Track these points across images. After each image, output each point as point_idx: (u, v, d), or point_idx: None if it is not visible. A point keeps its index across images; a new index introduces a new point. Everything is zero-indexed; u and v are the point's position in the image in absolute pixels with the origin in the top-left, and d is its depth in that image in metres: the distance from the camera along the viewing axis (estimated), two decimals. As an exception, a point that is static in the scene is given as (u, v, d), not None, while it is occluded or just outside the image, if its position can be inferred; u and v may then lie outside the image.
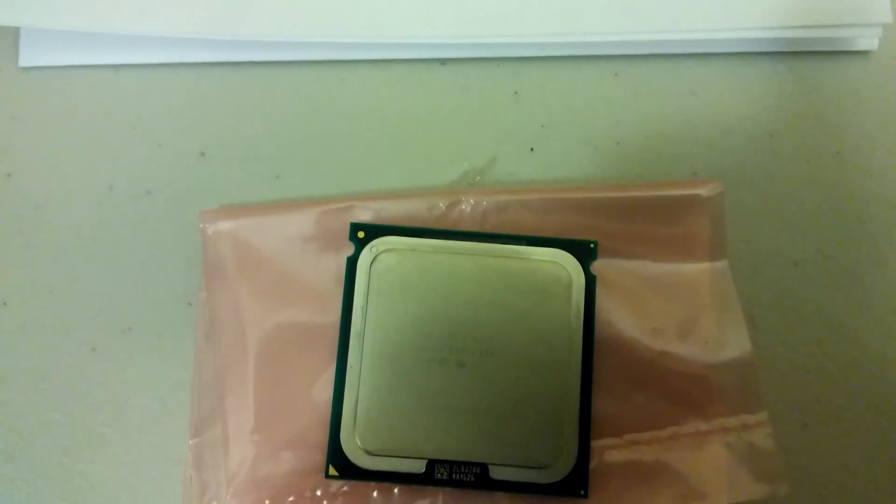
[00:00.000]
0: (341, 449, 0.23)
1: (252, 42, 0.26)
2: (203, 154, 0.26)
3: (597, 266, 0.24)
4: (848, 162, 0.26)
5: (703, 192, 0.25)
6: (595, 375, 0.23)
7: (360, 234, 0.24)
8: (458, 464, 0.23)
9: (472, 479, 0.23)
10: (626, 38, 0.26)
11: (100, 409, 0.24)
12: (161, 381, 0.24)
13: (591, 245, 0.24)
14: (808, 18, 0.26)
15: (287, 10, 0.26)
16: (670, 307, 0.24)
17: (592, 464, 0.23)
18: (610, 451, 0.23)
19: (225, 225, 0.25)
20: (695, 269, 0.24)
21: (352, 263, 0.24)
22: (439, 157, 0.26)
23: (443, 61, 0.27)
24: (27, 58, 0.26)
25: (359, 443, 0.23)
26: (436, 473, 0.23)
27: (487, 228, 0.25)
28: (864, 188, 0.26)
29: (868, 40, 0.27)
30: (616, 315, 0.24)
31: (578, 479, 0.23)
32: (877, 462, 0.24)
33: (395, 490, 0.23)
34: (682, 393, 0.24)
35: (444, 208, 0.25)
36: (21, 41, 0.26)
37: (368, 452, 0.23)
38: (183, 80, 0.26)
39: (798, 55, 0.27)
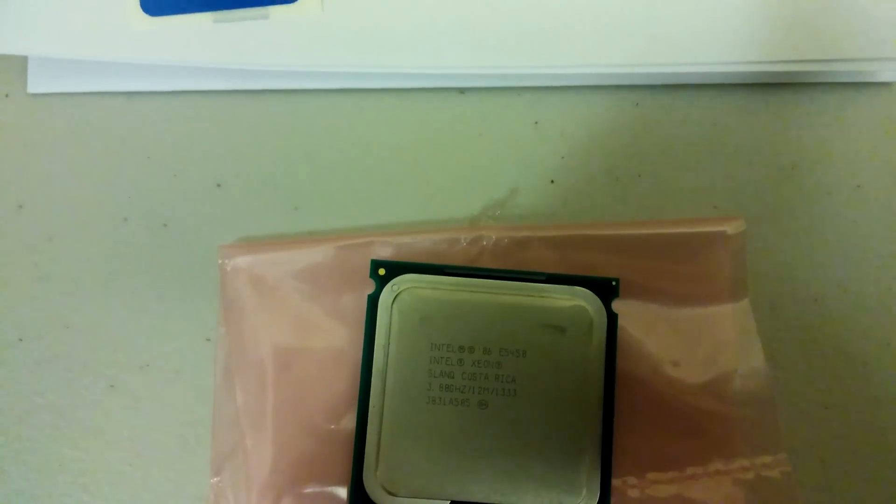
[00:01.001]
0: (364, 489, 0.23)
1: (269, 71, 0.25)
2: (219, 185, 0.25)
3: (618, 305, 0.24)
4: (869, 196, 0.26)
5: (727, 229, 0.25)
6: (616, 413, 0.23)
7: (381, 272, 0.24)
8: (481, 504, 0.23)
9: (495, 519, 0.23)
10: (647, 69, 0.26)
11: (119, 446, 0.24)
12: (180, 417, 0.24)
13: (613, 283, 0.24)
14: (829, 52, 0.26)
15: (305, 38, 0.25)
16: (692, 345, 0.24)
17: (613, 501, 0.23)
18: (632, 489, 0.24)
19: (243, 260, 0.24)
20: (716, 307, 0.24)
21: (373, 301, 0.24)
22: (459, 187, 0.26)
23: (462, 90, 0.26)
24: (36, 84, 0.26)
25: (381, 483, 0.23)
26: (458, 513, 0.23)
27: (509, 265, 0.25)
28: (886, 223, 0.26)
29: (890, 73, 0.27)
30: (638, 353, 0.24)
31: (600, 517, 0.23)
32: (893, 500, 0.24)
33: (418, 529, 0.23)
34: (702, 431, 0.24)
35: (465, 244, 0.24)
36: (29, 67, 0.26)
37: (391, 493, 0.23)
38: (198, 109, 0.26)
39: (820, 86, 0.27)
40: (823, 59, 0.26)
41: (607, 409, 0.23)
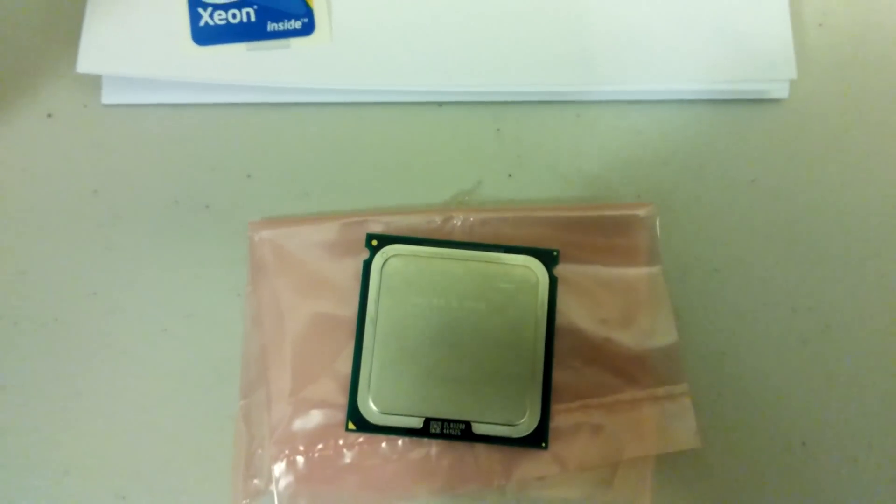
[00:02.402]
0: (358, 409, 0.30)
1: (288, 88, 0.33)
2: (249, 176, 0.32)
3: (558, 269, 0.30)
4: (761, 188, 0.33)
5: (640, 213, 0.31)
6: (555, 354, 0.30)
7: (374, 242, 0.31)
8: (448, 421, 0.30)
9: (459, 433, 0.29)
10: (585, 88, 0.33)
11: (169, 376, 0.31)
12: (217, 355, 0.31)
13: (554, 253, 0.31)
14: (729, 75, 0.33)
15: (317, 63, 0.32)
16: (615, 302, 0.31)
17: (552, 423, 0.30)
18: (566, 414, 0.30)
19: (267, 233, 0.31)
20: (635, 273, 0.31)
21: (367, 265, 0.30)
22: (436, 180, 0.33)
23: (440, 104, 0.33)
24: (109, 96, 0.33)
25: (372, 404, 0.29)
26: (430, 428, 0.30)
27: (474, 238, 0.31)
28: (773, 209, 0.33)
29: (779, 91, 0.33)
30: (573, 308, 0.31)
31: (540, 434, 0.29)
32: (774, 422, 0.31)
33: (399, 442, 0.30)
34: (622, 369, 0.30)
35: (439, 222, 0.31)
36: (104, 82, 0.33)
37: (379, 412, 0.29)
38: (233, 117, 0.33)
39: (723, 102, 0.34)
40: (724, 80, 0.33)
41: (548, 351, 0.30)
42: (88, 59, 0.32)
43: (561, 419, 0.30)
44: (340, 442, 0.30)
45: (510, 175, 0.33)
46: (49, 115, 0.33)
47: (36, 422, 0.30)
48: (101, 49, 0.32)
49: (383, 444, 0.30)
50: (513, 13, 0.33)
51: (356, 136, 0.33)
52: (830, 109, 0.34)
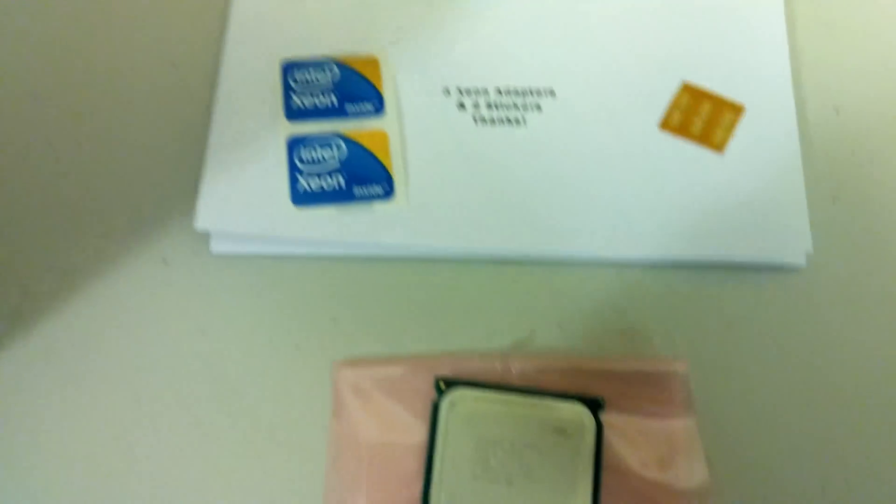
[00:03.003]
0: (427, 536, 0.34)
1: (370, 244, 0.38)
2: (334, 319, 0.37)
3: (604, 416, 0.35)
4: (783, 348, 0.37)
5: (676, 369, 0.36)
6: (601, 493, 0.34)
7: (441, 385, 0.35)
8: (505, 550, 0.33)
9: (514, 561, 0.33)
10: (625, 255, 0.38)
11: (258, 499, 0.35)
12: (302, 481, 0.35)
13: (601, 401, 0.35)
14: (752, 247, 0.37)
15: (396, 224, 0.37)
16: (654, 447, 0.35)
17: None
18: (609, 546, 0.34)
19: (348, 372, 0.36)
20: (672, 421, 0.35)
21: (435, 406, 0.35)
22: (496, 327, 0.37)
23: (501, 262, 0.38)
24: (218, 246, 0.38)
25: (439, 532, 0.34)
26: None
27: (529, 384, 0.36)
28: (795, 368, 0.37)
29: (797, 260, 0.38)
30: (617, 451, 0.35)
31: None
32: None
33: (460, 566, 0.34)
34: (659, 507, 0.34)
35: (499, 369, 0.36)
36: (213, 234, 0.38)
37: (445, 539, 0.33)
38: (323, 267, 0.38)
39: (747, 267, 0.38)
40: (748, 253, 0.38)
41: (595, 488, 0.34)
42: (205, 218, 0.37)
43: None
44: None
45: (560, 326, 0.38)
46: (164, 261, 0.38)
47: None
48: (215, 209, 0.37)
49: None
50: (562, 188, 0.38)
51: (427, 287, 0.38)
52: (846, 278, 0.38)
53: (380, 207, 0.38)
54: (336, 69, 0.40)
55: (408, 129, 0.39)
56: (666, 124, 0.39)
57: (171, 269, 0.38)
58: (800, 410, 0.36)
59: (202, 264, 0.38)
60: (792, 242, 0.38)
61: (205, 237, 0.38)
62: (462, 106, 0.40)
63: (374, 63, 0.40)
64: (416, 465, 0.35)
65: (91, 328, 0.37)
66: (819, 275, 0.38)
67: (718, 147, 0.39)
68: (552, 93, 0.40)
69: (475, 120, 0.40)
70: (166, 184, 0.39)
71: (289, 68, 0.40)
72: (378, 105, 0.39)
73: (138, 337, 0.37)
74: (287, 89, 0.39)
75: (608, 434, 0.35)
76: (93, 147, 0.40)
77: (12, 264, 0.38)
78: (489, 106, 0.40)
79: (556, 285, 0.38)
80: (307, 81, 0.39)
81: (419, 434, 0.35)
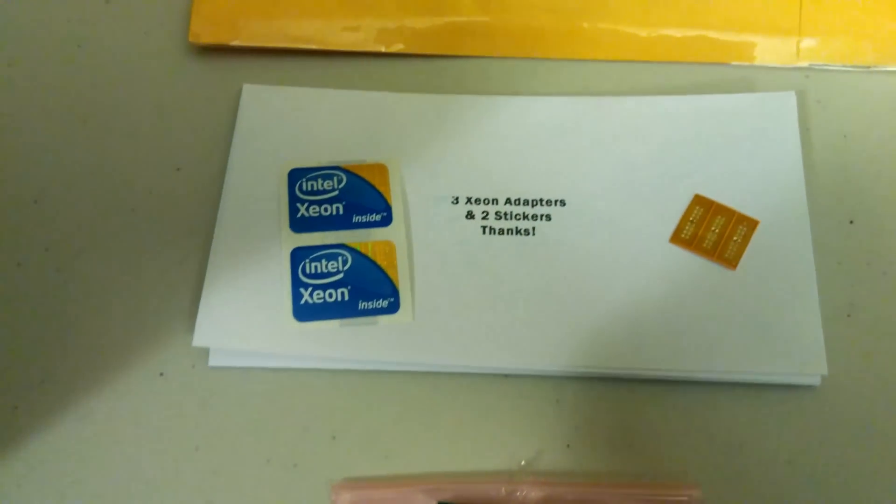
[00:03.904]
0: None
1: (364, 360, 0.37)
2: (334, 437, 0.36)
3: (612, 547, 0.33)
4: (797, 468, 0.36)
5: (690, 495, 0.34)
6: None
7: (445, 511, 0.34)
8: None
9: None
10: (635, 371, 0.37)
11: None
12: None
13: (609, 531, 0.34)
14: (766, 367, 0.36)
15: (400, 339, 0.37)
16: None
17: None
18: None
19: (347, 495, 0.35)
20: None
21: (438, 532, 0.34)
22: (500, 445, 0.36)
23: (506, 375, 0.37)
24: (216, 360, 0.37)
25: None
26: None
27: (535, 511, 0.35)
28: (809, 488, 0.36)
29: (812, 380, 0.37)
30: (625, 584, 0.34)
31: None
32: None
33: None
34: None
35: (504, 493, 0.35)
36: (211, 349, 0.37)
37: None
38: (324, 381, 0.37)
39: (760, 386, 0.37)
40: (761, 372, 0.37)
41: None
42: (203, 335, 0.36)
43: None
44: None
45: (568, 445, 0.36)
46: (161, 374, 0.37)
47: None
48: (214, 325, 0.37)
49: None
50: (572, 302, 0.37)
51: (430, 402, 0.37)
52: (860, 396, 0.37)
53: (384, 321, 0.37)
54: (344, 177, 0.39)
55: (415, 238, 0.39)
56: (676, 237, 0.38)
57: (167, 382, 0.37)
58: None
59: (200, 378, 0.37)
60: (806, 363, 0.37)
61: (203, 350, 0.37)
62: (471, 215, 0.39)
63: (382, 170, 0.40)
64: None
65: (84, 444, 0.36)
66: (834, 393, 0.37)
67: (731, 263, 0.38)
68: (563, 202, 0.39)
69: (483, 230, 0.39)
70: (166, 295, 0.38)
71: (296, 176, 0.39)
72: (385, 214, 0.39)
73: (132, 454, 0.36)
74: (293, 199, 0.39)
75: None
76: (91, 256, 0.39)
77: (4, 377, 0.37)
78: (498, 216, 0.39)
79: (564, 400, 0.37)
80: (314, 190, 0.39)
81: (421, 562, 0.34)
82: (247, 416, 0.37)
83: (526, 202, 0.40)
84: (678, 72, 0.44)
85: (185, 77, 0.43)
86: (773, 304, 0.37)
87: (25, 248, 0.40)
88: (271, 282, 0.37)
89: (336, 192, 0.39)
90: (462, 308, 0.37)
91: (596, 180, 0.40)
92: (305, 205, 0.39)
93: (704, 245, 0.38)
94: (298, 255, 0.38)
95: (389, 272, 0.38)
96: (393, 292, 0.37)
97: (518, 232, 0.39)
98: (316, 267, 0.37)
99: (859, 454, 0.36)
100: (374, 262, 0.38)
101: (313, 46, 0.43)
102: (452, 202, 0.40)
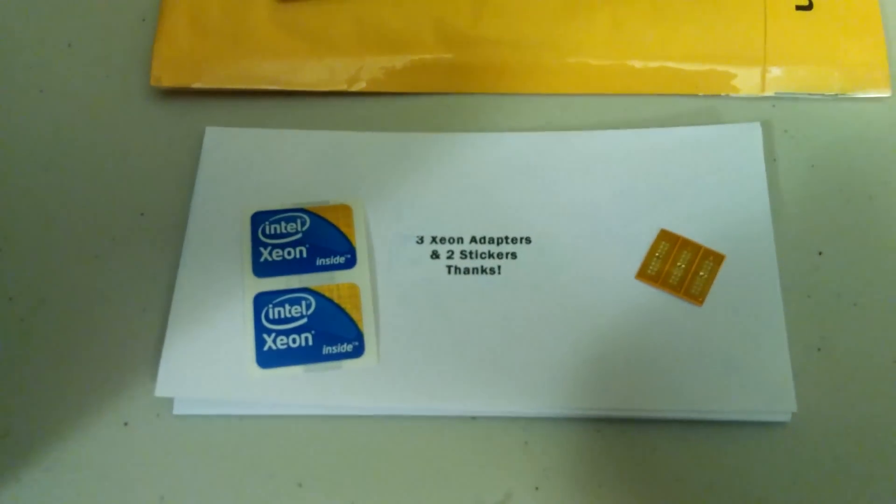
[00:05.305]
0: None
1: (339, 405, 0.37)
2: (300, 485, 0.36)
3: (581, 593, 0.33)
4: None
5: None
6: None
7: (412, 560, 0.34)
8: None
9: None
10: (603, 411, 0.36)
11: None
12: None
13: (577, 576, 0.33)
14: (733, 405, 0.36)
15: (365, 383, 0.36)
16: None
17: None
18: None
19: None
20: None
21: (405, 583, 0.33)
22: (468, 490, 0.36)
23: (473, 418, 0.37)
24: (180, 408, 0.37)
25: None
26: None
27: (503, 557, 0.34)
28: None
29: (782, 417, 0.37)
30: None
31: None
32: None
33: None
34: None
35: (472, 540, 0.34)
36: (175, 398, 0.37)
37: None
38: (288, 427, 0.37)
39: (728, 423, 0.37)
40: (728, 410, 0.36)
41: None
42: (166, 385, 0.36)
43: None
44: None
45: (537, 488, 0.36)
46: (126, 424, 0.37)
47: None
48: (177, 374, 0.36)
49: None
50: (538, 342, 0.37)
51: (397, 446, 0.37)
52: (832, 432, 0.37)
53: (349, 365, 0.37)
54: (307, 219, 0.39)
55: (380, 280, 0.38)
56: (643, 273, 0.38)
57: (132, 432, 0.36)
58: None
59: (165, 427, 0.37)
60: (775, 399, 0.36)
61: (168, 399, 0.37)
62: (436, 255, 0.39)
63: (346, 211, 0.39)
64: None
65: (49, 496, 0.36)
66: (805, 430, 0.37)
67: (697, 299, 0.38)
68: (528, 240, 0.39)
69: (449, 269, 0.39)
70: (129, 343, 0.38)
71: (259, 220, 0.39)
72: (350, 256, 0.38)
73: (96, 506, 0.36)
74: (255, 242, 0.38)
75: None
76: (54, 305, 0.39)
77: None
78: (463, 255, 0.39)
79: (532, 442, 0.37)
80: (277, 233, 0.39)
81: None
82: (212, 464, 0.36)
83: (491, 240, 0.39)
84: (644, 104, 0.43)
85: (147, 121, 0.43)
86: (741, 340, 0.37)
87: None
88: (234, 328, 0.37)
89: (300, 235, 0.39)
90: (428, 350, 0.37)
91: (561, 216, 0.40)
92: (268, 248, 0.38)
93: (671, 281, 0.38)
94: (261, 301, 0.37)
95: (354, 315, 0.37)
96: (357, 336, 0.37)
97: (483, 271, 0.39)
98: (279, 312, 0.37)
99: (831, 491, 0.36)
100: (338, 306, 0.37)
101: (275, 87, 0.42)
102: (417, 242, 0.39)
